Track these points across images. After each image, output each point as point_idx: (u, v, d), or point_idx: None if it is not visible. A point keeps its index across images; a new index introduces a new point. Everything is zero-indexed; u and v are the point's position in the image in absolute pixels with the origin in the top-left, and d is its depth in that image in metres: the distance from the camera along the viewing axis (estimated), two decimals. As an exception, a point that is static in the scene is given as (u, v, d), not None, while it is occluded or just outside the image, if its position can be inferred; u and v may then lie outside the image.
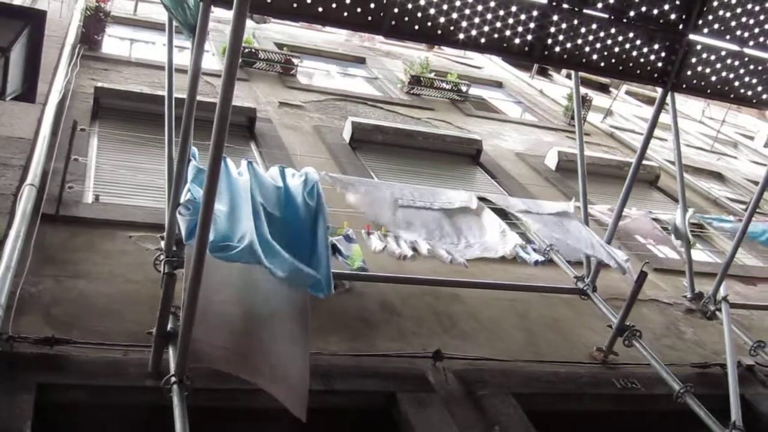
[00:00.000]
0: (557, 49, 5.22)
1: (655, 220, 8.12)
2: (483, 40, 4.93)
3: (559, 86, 19.30)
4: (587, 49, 5.31)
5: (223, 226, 4.65)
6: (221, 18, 12.82)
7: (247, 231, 4.61)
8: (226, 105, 3.57)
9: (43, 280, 5.23)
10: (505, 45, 5.03)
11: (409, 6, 4.58)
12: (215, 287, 4.53)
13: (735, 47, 5.71)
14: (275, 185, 5.25)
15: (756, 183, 14.06)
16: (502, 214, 6.75)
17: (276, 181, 5.32)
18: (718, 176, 14.52)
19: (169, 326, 4.44)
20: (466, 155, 10.89)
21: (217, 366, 4.37)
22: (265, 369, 4.43)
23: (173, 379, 4.07)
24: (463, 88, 14.38)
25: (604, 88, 21.15)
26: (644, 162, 8.61)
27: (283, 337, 4.56)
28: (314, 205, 5.17)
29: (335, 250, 5.91)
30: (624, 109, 18.79)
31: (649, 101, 20.72)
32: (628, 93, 21.59)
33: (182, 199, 4.83)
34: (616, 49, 5.39)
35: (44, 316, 4.87)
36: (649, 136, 6.15)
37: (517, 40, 5.04)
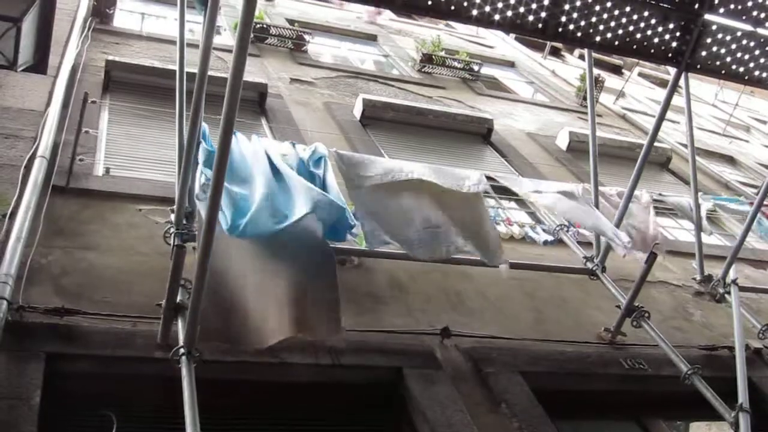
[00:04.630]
0: (571, 27, 5.17)
1: (657, 200, 8.02)
2: (496, 17, 4.89)
3: (572, 67, 19.19)
4: (601, 27, 5.26)
5: (240, 206, 4.72)
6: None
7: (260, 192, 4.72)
8: (238, 76, 3.56)
9: (53, 251, 5.25)
10: (518, 22, 4.99)
11: (422, -20, 4.55)
12: (226, 269, 4.58)
13: (750, 27, 5.65)
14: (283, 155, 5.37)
15: (768, 167, 14.04)
16: (512, 192, 6.74)
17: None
18: (729, 160, 14.44)
19: (178, 298, 4.45)
20: (477, 134, 10.85)
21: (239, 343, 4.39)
22: (294, 316, 4.49)
23: (182, 350, 4.08)
24: (475, 67, 14.29)
25: (616, 70, 21.04)
26: (656, 144, 8.54)
27: (310, 277, 4.65)
28: (321, 172, 5.26)
29: (345, 226, 5.94)
30: (636, 90, 18.67)
31: (662, 83, 20.59)
32: (640, 75, 21.45)
33: (197, 185, 4.86)
34: (631, 28, 5.34)
35: (54, 286, 4.89)
36: (662, 117, 6.11)
37: (530, 17, 5.00)
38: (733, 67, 5.81)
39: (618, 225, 6.47)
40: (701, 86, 20.52)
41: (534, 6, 4.95)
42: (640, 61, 18.37)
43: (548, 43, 18.42)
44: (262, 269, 4.71)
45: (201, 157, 5.07)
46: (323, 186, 5.36)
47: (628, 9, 5.25)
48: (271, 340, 4.45)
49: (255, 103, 9.40)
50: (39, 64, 6.10)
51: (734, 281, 6.91)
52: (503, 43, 18.99)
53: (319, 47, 14.12)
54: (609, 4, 5.18)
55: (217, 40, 9.15)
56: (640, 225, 7.10)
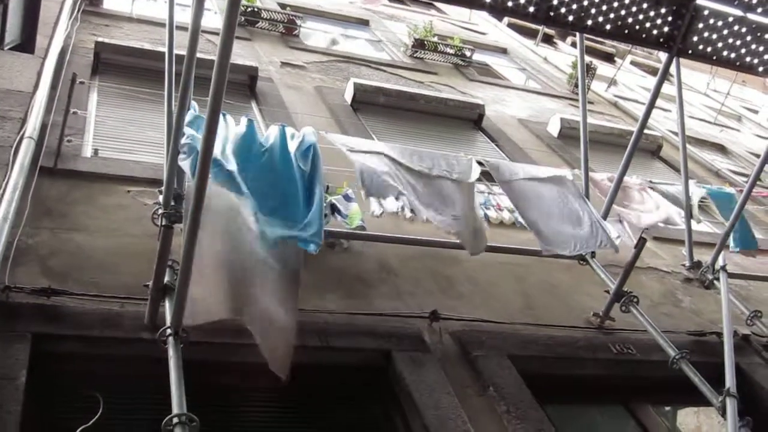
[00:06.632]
0: (563, 10, 5.17)
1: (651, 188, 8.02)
2: (488, -1, 4.88)
3: (564, 54, 19.17)
4: (593, 11, 5.25)
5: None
6: (224, -24, 12.69)
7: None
8: (226, 54, 3.54)
9: (41, 232, 5.22)
10: (510, 4, 4.98)
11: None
12: (210, 239, 4.52)
13: (741, 13, 5.64)
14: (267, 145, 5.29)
15: (758, 156, 14.05)
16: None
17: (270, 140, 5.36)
18: (720, 148, 14.48)
19: (166, 279, 4.43)
20: (468, 120, 10.85)
21: (215, 317, 4.33)
22: (256, 321, 4.43)
23: (169, 331, 4.06)
24: (467, 53, 14.27)
25: (609, 58, 21.03)
26: (647, 131, 8.54)
27: (274, 295, 4.56)
28: (308, 169, 5.16)
29: (334, 209, 5.91)
30: (629, 79, 18.68)
31: (654, 72, 20.58)
32: (633, 63, 21.46)
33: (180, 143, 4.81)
34: (623, 12, 5.33)
35: (41, 267, 4.86)
36: (652, 103, 6.10)
37: (522, 0, 4.98)
38: (725, 53, 5.80)
39: (607, 211, 6.47)
40: (693, 75, 20.55)
41: (526, -11, 4.94)
42: (633, 50, 18.37)
43: (541, 29, 18.39)
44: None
45: (187, 119, 4.99)
46: (310, 186, 5.21)
47: (620, -7, 5.25)
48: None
49: (245, 86, 9.35)
50: (26, 43, 6.05)
51: (723, 268, 6.92)
52: (496, 30, 18.96)
53: (311, 31, 14.06)
54: (601, -12, 5.18)
55: (207, 22, 9.10)
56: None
